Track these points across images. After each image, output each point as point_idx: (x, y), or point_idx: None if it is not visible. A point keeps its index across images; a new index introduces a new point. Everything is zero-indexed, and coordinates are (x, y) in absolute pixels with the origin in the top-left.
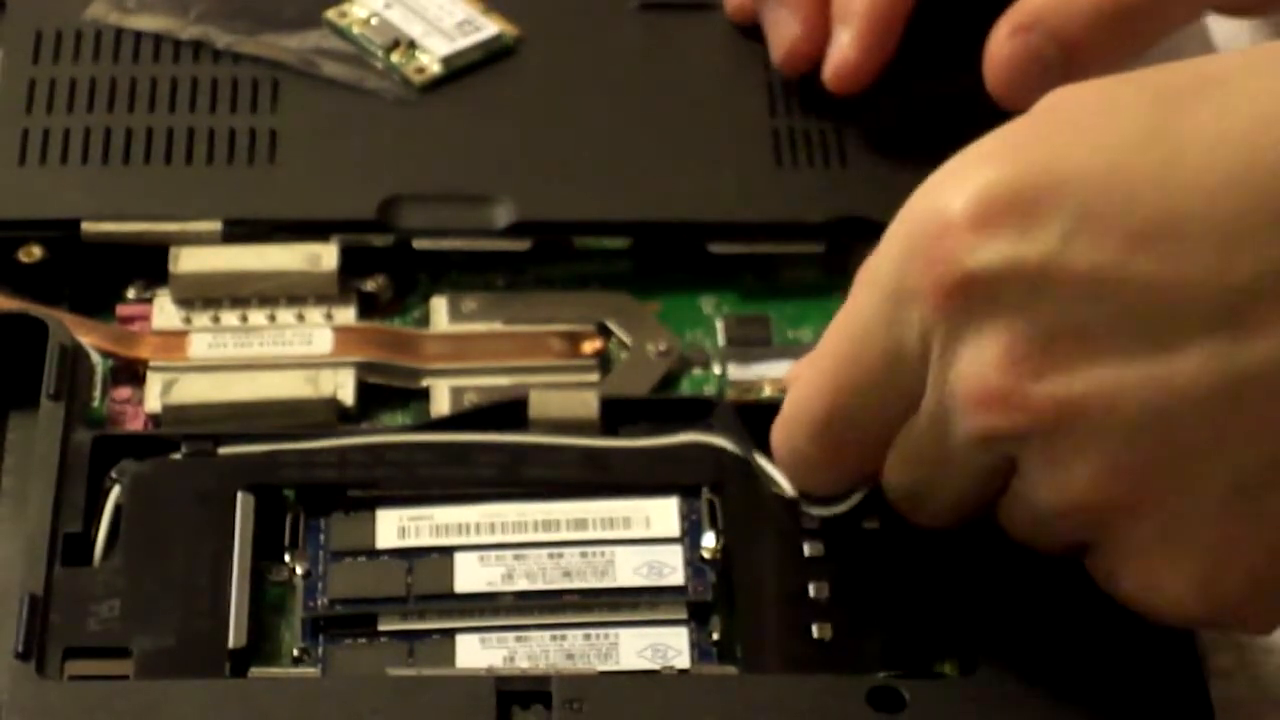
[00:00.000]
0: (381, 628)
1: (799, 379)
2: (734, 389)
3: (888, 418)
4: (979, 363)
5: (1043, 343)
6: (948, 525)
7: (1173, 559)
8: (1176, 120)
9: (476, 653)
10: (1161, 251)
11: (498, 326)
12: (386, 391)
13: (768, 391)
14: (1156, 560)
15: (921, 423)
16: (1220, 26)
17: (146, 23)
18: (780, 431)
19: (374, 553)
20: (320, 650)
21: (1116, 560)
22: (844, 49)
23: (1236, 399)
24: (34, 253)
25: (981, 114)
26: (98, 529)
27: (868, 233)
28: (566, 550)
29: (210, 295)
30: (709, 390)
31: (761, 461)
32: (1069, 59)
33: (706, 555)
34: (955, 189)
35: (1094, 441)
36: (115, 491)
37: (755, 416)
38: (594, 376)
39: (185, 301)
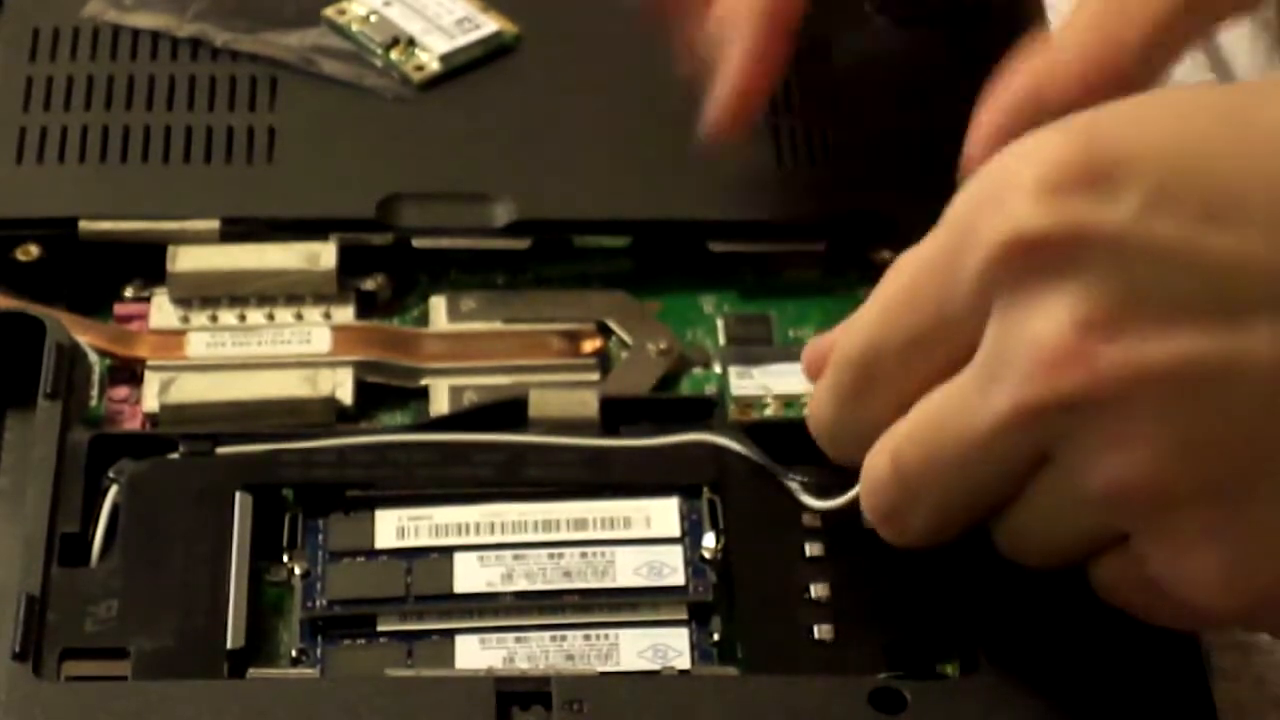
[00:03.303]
0: (380, 628)
1: (823, 349)
2: (735, 405)
3: (926, 370)
4: (1047, 323)
5: (1114, 308)
6: (922, 543)
7: (1213, 546)
8: (1251, 111)
9: (476, 653)
10: (1233, 229)
11: (497, 325)
12: (385, 391)
13: (770, 409)
14: (1195, 547)
15: (956, 389)
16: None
17: (144, 20)
18: (824, 376)
19: (373, 553)
20: (319, 651)
21: (1148, 548)
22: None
23: None
24: (31, 251)
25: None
26: (95, 529)
27: (868, 231)
28: (566, 550)
29: (208, 294)
30: (709, 390)
31: (765, 458)
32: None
33: (707, 555)
34: (1032, 153)
35: (1159, 412)
36: (113, 491)
37: (757, 433)
38: (594, 376)
39: (183, 300)
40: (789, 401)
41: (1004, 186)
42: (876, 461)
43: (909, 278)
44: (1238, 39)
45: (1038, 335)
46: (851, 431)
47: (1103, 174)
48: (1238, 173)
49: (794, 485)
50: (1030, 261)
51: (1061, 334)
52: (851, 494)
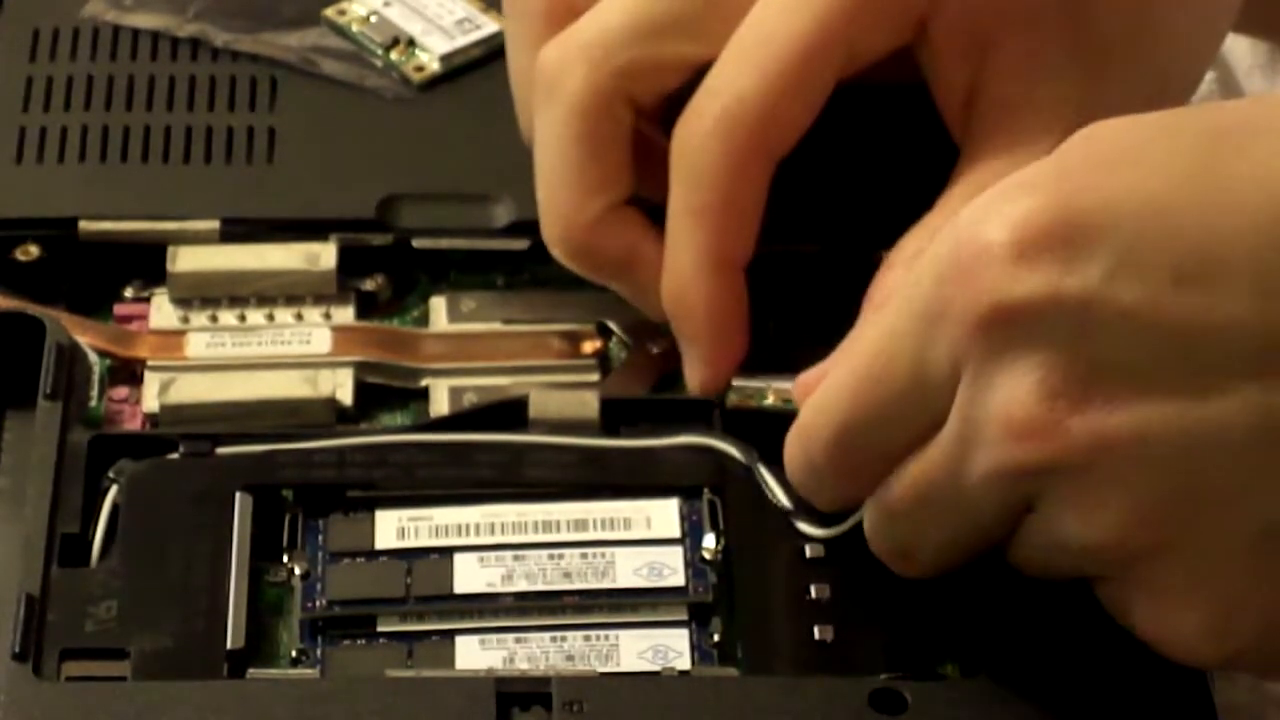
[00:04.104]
0: (380, 629)
1: (813, 388)
2: (735, 394)
3: (906, 439)
4: (1015, 393)
5: (1081, 377)
6: (932, 574)
7: (1190, 599)
8: (1224, 159)
9: (476, 654)
10: (1203, 291)
11: (497, 326)
12: (385, 391)
13: (770, 400)
14: (1173, 599)
15: (938, 452)
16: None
17: (144, 20)
18: (795, 441)
19: (373, 553)
20: (319, 651)
21: (1132, 595)
22: (695, 371)
23: (1271, 445)
24: (31, 251)
25: None
26: (95, 529)
27: (867, 234)
28: (566, 551)
29: (208, 294)
30: None
31: (762, 471)
32: None
33: (707, 556)
34: (998, 217)
35: (1127, 479)
36: (113, 491)
37: (756, 423)
38: (594, 376)
39: (183, 301)
40: (788, 399)
41: (978, 255)
42: (875, 519)
43: (879, 352)
44: (1238, 39)
45: (1007, 405)
46: (833, 499)
47: (1073, 237)
48: (1211, 230)
49: (800, 524)
50: (998, 332)
51: (1027, 405)
52: (852, 520)
